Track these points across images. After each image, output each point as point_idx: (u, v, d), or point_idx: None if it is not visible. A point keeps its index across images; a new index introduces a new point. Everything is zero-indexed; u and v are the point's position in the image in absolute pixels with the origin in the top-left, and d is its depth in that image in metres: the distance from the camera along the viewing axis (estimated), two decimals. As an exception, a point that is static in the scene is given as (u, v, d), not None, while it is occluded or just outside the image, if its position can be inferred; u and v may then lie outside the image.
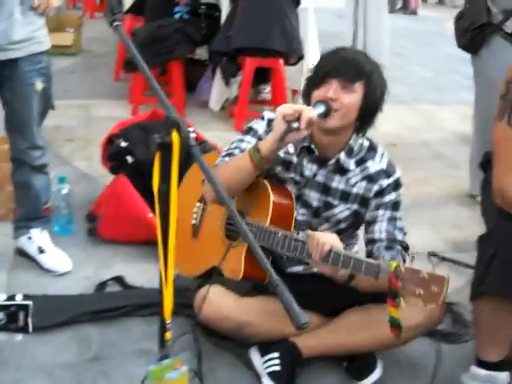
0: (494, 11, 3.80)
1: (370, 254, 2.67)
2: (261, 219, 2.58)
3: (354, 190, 2.68)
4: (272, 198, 2.58)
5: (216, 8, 6.05)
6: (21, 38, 3.00)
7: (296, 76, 5.81)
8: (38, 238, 3.38)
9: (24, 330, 1.86)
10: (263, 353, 2.69)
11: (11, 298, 1.85)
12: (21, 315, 1.84)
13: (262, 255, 1.62)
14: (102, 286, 3.22)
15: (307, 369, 2.75)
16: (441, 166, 5.18)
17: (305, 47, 5.70)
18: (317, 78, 2.56)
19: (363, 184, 2.67)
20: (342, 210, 2.71)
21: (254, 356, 2.71)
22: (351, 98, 2.51)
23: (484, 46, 3.92)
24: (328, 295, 2.63)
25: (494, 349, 2.52)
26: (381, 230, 2.66)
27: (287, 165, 2.70)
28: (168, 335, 1.93)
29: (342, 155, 2.65)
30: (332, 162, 2.67)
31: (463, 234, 4.06)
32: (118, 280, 3.25)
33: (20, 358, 2.66)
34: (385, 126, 5.75)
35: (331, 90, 2.49)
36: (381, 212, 2.67)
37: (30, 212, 3.39)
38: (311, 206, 2.72)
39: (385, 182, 2.67)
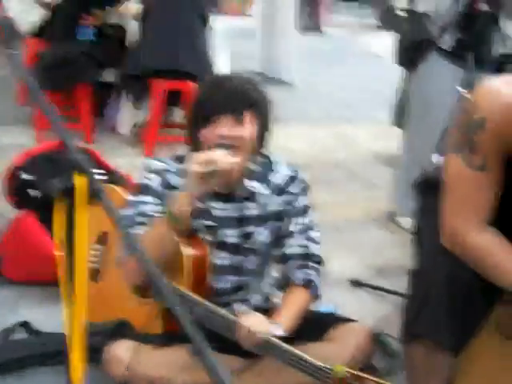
0: (431, 29, 3.83)
1: (283, 274, 2.61)
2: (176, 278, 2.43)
3: (269, 208, 2.57)
4: (184, 253, 2.44)
5: (121, 29, 5.90)
6: None
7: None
8: None
9: None
10: None
11: None
12: None
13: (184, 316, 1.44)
14: (7, 332, 2.96)
15: None
16: (357, 187, 5.12)
17: (216, 68, 5.59)
18: (204, 117, 2.40)
19: (274, 199, 2.58)
20: (261, 234, 2.58)
21: None
22: (245, 130, 2.40)
23: (421, 62, 3.95)
24: None
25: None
26: (292, 244, 2.58)
27: (194, 213, 2.46)
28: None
29: (246, 182, 2.54)
30: (238, 192, 2.54)
31: (384, 259, 3.99)
32: (25, 325, 3.02)
33: None
34: (297, 146, 5.69)
35: (225, 128, 2.37)
36: (293, 221, 2.58)
37: None
38: (229, 245, 2.56)
39: (294, 188, 2.59)
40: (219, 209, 2.54)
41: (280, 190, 2.58)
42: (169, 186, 2.50)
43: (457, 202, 2.20)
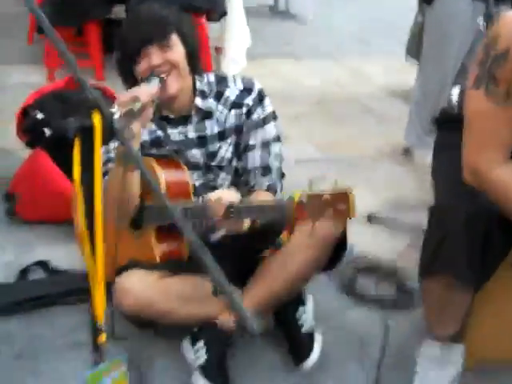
0: None
1: (246, 183, 2.66)
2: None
3: (227, 124, 2.63)
4: (162, 175, 2.47)
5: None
6: None
7: (219, 33, 5.60)
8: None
9: None
10: (193, 343, 2.52)
11: None
12: None
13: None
14: (24, 272, 3.00)
15: (252, 351, 2.63)
16: (371, 122, 5.06)
17: (228, 2, 5.48)
18: (131, 55, 2.46)
19: (232, 113, 2.63)
20: (226, 150, 2.64)
21: (186, 348, 2.54)
22: (175, 54, 2.47)
23: None
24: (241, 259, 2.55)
25: (446, 324, 2.41)
26: (254, 157, 2.62)
27: (157, 143, 2.59)
28: (102, 338, 1.74)
29: (198, 101, 2.60)
30: (193, 113, 2.61)
31: (399, 193, 3.97)
32: (42, 265, 3.04)
33: None
34: (310, 81, 5.62)
35: (152, 58, 2.43)
36: (252, 135, 2.62)
37: None
38: (199, 165, 2.62)
39: (249, 100, 2.62)
40: (179, 133, 2.61)
41: (236, 104, 2.63)
42: None
43: (479, 136, 2.16)
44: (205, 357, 2.45)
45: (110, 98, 3.63)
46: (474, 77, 2.15)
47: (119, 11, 5.84)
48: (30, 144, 3.58)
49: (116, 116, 1.51)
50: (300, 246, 2.47)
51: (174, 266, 2.52)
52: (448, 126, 2.49)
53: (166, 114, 2.60)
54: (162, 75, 2.42)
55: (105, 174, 2.41)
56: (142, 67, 2.45)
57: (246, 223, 2.33)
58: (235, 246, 2.46)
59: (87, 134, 1.49)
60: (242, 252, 2.51)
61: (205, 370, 2.43)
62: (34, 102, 3.61)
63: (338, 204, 2.11)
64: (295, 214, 2.16)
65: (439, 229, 2.23)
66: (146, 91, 2.27)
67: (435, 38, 4.06)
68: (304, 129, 4.70)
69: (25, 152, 3.68)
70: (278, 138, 2.67)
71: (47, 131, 3.47)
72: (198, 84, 2.61)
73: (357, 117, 5.17)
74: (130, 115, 2.19)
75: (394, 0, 8.47)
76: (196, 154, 2.63)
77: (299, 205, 2.15)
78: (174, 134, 2.62)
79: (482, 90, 2.11)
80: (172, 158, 2.59)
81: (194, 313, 2.50)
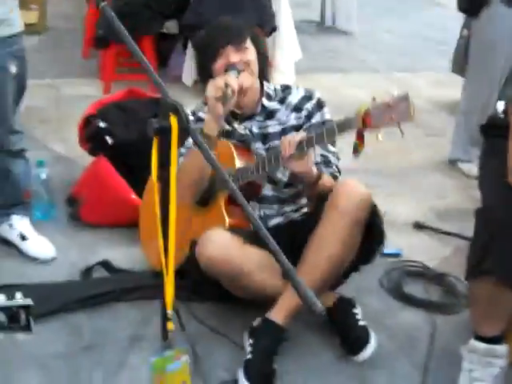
0: None
1: None
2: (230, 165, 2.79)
3: (288, 124, 2.87)
4: (232, 146, 2.82)
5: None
6: None
7: (270, 48, 5.72)
8: (19, 225, 3.29)
9: (26, 329, 1.80)
10: (250, 336, 2.66)
11: (10, 296, 1.78)
12: (22, 315, 1.78)
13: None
14: (88, 271, 3.15)
15: (302, 347, 2.73)
16: (419, 134, 5.15)
17: (277, 19, 5.61)
18: (211, 53, 2.79)
19: (293, 115, 2.89)
20: None
21: (245, 340, 2.69)
22: (249, 55, 2.78)
23: (484, 8, 3.94)
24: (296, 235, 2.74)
25: (492, 325, 2.47)
26: (315, 154, 2.76)
27: (226, 135, 2.85)
28: (170, 325, 1.87)
29: (265, 101, 2.90)
30: (258, 111, 2.90)
31: (446, 203, 4.06)
32: (104, 264, 3.18)
33: (9, 350, 2.55)
34: (358, 94, 5.71)
35: (230, 56, 2.74)
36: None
37: (10, 199, 3.30)
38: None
39: (309, 105, 2.88)
40: (245, 128, 2.89)
41: (297, 108, 2.89)
42: (200, 119, 2.85)
43: None
44: (249, 356, 2.55)
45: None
46: None
47: (171, 26, 6.00)
48: (92, 152, 3.74)
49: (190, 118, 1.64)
50: (333, 228, 2.59)
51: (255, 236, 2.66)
52: (495, 133, 2.58)
53: (234, 109, 2.81)
54: (237, 69, 2.71)
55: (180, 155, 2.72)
56: (219, 64, 2.76)
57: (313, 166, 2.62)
58: (290, 232, 2.72)
59: (165, 134, 1.65)
60: (295, 237, 2.70)
61: (247, 365, 2.54)
62: (96, 112, 3.77)
63: (400, 105, 2.33)
64: (363, 124, 2.40)
65: (486, 230, 2.32)
66: (235, 79, 2.64)
67: (481, 50, 4.13)
68: (353, 139, 4.79)
69: (85, 159, 3.86)
70: (333, 143, 2.86)
71: (109, 139, 3.64)
72: (265, 87, 2.92)
73: (404, 129, 5.24)
74: (224, 98, 2.57)
75: (438, 15, 8.55)
76: (260, 147, 2.87)
77: (365, 114, 2.39)
78: (240, 128, 2.89)
79: None
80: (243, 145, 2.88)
81: (267, 283, 2.64)
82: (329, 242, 2.59)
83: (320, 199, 2.71)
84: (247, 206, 1.61)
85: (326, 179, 2.74)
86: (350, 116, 2.45)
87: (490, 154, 2.63)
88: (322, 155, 2.84)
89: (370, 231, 2.67)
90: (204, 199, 2.87)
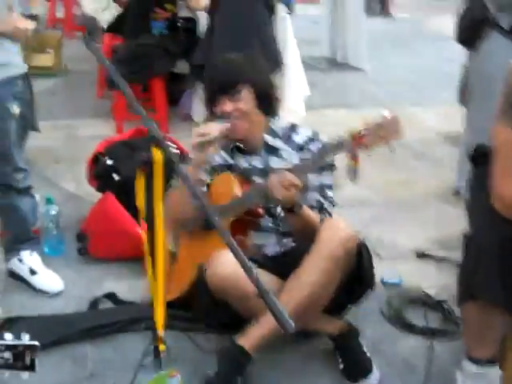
0: (490, 7, 3.81)
1: None
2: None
3: (290, 162, 2.89)
4: (231, 176, 2.93)
5: (193, 21, 6.07)
6: None
7: (278, 85, 5.80)
8: (28, 260, 3.39)
9: (30, 368, 1.87)
10: (217, 355, 2.72)
11: (18, 336, 1.86)
12: (27, 355, 1.85)
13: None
14: (95, 303, 3.23)
15: (303, 372, 2.79)
16: (424, 165, 5.21)
17: (285, 56, 5.71)
18: (210, 98, 2.94)
19: (297, 155, 2.95)
20: None
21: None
22: (244, 104, 2.88)
23: (482, 41, 3.95)
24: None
25: (484, 348, 2.52)
26: (311, 197, 2.91)
27: (227, 167, 3.00)
28: (162, 347, 1.96)
29: (268, 137, 2.99)
30: (261, 147, 2.99)
31: (449, 232, 4.10)
32: (110, 297, 3.27)
33: (14, 379, 2.63)
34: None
35: (224, 105, 2.86)
36: (310, 178, 2.89)
37: (19, 234, 3.41)
38: None
39: (314, 147, 2.93)
40: (247, 161, 3.01)
41: (300, 148, 2.98)
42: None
43: (504, 164, 2.30)
44: (215, 373, 2.63)
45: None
46: (500, 109, 2.33)
47: (183, 66, 6.12)
48: (101, 189, 3.85)
49: (175, 151, 1.73)
50: (314, 268, 2.67)
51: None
52: (482, 161, 2.62)
53: (238, 144, 2.99)
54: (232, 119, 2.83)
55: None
56: (217, 110, 2.90)
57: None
58: (287, 261, 2.79)
59: (149, 165, 1.74)
60: (291, 266, 2.75)
61: (207, 381, 2.62)
62: (104, 150, 3.88)
63: (390, 126, 2.54)
64: (355, 144, 2.54)
65: (473, 255, 2.38)
66: (217, 128, 2.73)
67: (481, 83, 4.14)
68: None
69: (94, 197, 3.97)
70: (331, 187, 2.95)
71: (116, 176, 3.74)
72: (271, 124, 3.01)
73: (410, 161, 5.31)
74: (201, 145, 2.68)
75: (449, 52, 8.62)
76: (260, 181, 2.93)
77: (358, 133, 2.54)
78: (242, 161, 3.01)
79: (506, 122, 2.28)
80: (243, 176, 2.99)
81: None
82: (305, 271, 2.68)
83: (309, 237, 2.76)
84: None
85: (309, 212, 2.81)
86: (342, 136, 2.59)
87: (476, 180, 2.68)
88: (318, 201, 2.92)
89: (359, 274, 2.81)
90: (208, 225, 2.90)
